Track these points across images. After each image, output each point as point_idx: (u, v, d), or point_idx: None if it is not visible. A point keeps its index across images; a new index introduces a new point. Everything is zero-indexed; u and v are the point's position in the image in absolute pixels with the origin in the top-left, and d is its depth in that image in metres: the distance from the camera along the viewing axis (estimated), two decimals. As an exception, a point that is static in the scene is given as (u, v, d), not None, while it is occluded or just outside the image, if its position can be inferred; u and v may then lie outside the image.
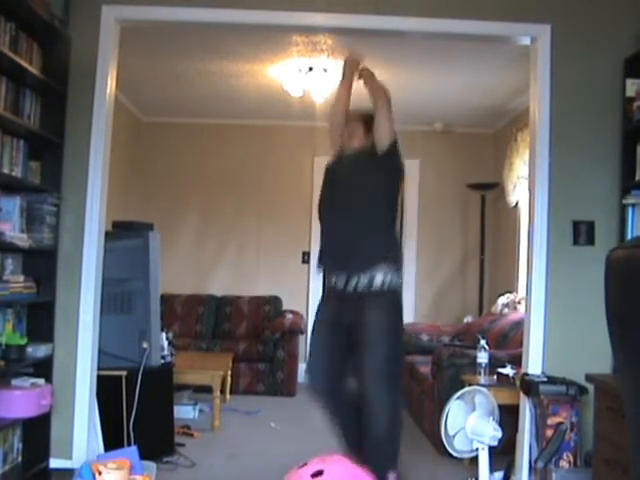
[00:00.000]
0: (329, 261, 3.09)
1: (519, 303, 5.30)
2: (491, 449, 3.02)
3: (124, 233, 4.06)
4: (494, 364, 4.02)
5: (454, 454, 3.08)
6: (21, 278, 3.33)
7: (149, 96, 6.31)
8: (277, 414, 5.35)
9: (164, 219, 6.16)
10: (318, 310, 3.22)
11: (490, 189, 6.53)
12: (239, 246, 7.03)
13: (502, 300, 5.61)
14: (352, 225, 3.02)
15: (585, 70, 3.63)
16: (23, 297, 3.31)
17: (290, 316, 6.46)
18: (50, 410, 3.36)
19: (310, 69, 5.10)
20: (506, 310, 5.45)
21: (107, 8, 3.59)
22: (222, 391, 5.17)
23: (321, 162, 6.94)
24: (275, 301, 6.78)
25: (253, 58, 5.03)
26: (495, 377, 3.96)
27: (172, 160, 7.03)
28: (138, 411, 3.74)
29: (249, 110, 6.57)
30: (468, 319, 6.30)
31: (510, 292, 5.71)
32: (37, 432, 3.42)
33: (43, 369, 3.41)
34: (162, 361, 4.10)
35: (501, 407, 3.16)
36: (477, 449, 3.02)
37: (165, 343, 4.24)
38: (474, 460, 3.19)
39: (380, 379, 2.91)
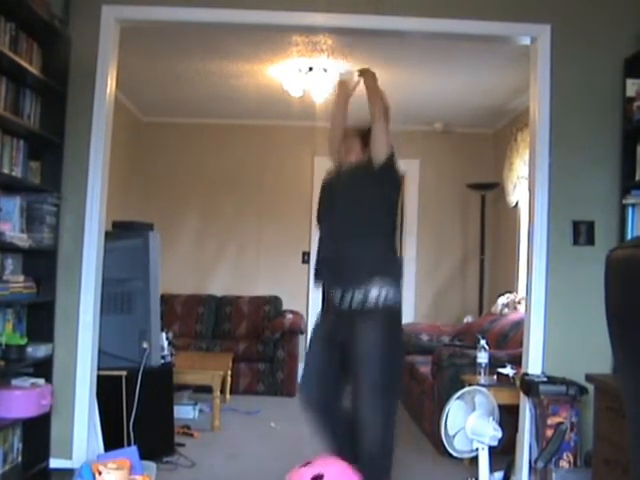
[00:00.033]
0: (325, 276, 3.06)
1: (519, 303, 5.30)
2: (491, 449, 3.02)
3: (124, 233, 4.06)
4: (494, 364, 4.02)
5: (454, 454, 3.08)
6: (21, 278, 3.33)
7: (149, 96, 6.31)
8: (277, 414, 5.35)
9: (164, 219, 6.16)
10: (315, 325, 3.17)
11: (490, 189, 6.53)
12: (239, 246, 7.03)
13: (502, 300, 5.61)
14: (347, 240, 2.97)
15: (585, 70, 3.63)
16: (23, 297, 3.31)
17: (290, 316, 6.47)
18: (50, 410, 3.36)
19: (310, 69, 5.10)
20: (506, 310, 5.45)
21: (107, 8, 3.59)
22: (222, 391, 5.18)
23: (321, 162, 6.99)
24: (275, 301, 6.78)
25: (253, 58, 5.03)
26: (495, 377, 3.96)
27: (172, 160, 7.03)
28: (138, 411, 3.74)
29: (249, 110, 6.57)
30: (468, 319, 6.30)
31: (510, 292, 5.71)
32: (37, 432, 3.42)
33: (43, 369, 3.41)
34: (162, 361, 4.10)
35: (501, 407, 3.16)
36: (477, 449, 3.02)
37: (165, 343, 4.24)
38: (474, 460, 3.19)
39: (372, 397, 2.84)
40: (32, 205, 3.40)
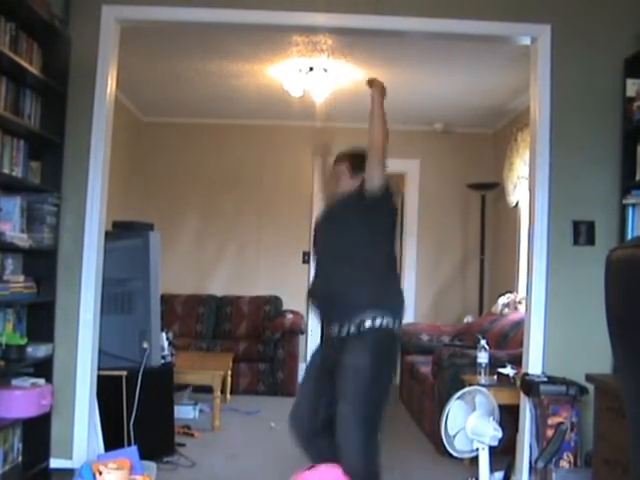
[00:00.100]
0: (319, 309, 2.99)
1: (520, 303, 5.30)
2: (491, 449, 3.02)
3: (124, 233, 4.06)
4: (494, 364, 4.02)
5: (454, 454, 3.08)
6: (21, 278, 3.33)
7: (149, 96, 6.31)
8: (277, 414, 5.33)
9: (164, 219, 6.16)
10: (312, 354, 3.10)
11: (490, 189, 6.53)
12: (239, 246, 7.03)
13: (502, 300, 5.61)
14: (338, 275, 2.88)
15: (585, 70, 3.63)
16: (23, 297, 3.31)
17: (290, 316, 6.47)
18: (50, 410, 3.36)
19: (310, 69, 5.10)
20: (506, 310, 5.45)
21: (107, 8, 3.59)
22: (222, 391, 5.18)
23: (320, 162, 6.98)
24: (275, 301, 6.78)
25: (253, 58, 5.03)
26: (495, 377, 3.96)
27: (172, 160, 7.03)
28: (138, 411, 3.74)
29: (249, 110, 6.57)
30: (468, 319, 6.30)
31: (510, 292, 5.71)
32: (37, 432, 3.42)
33: (43, 369, 3.41)
34: (162, 361, 4.10)
35: (501, 407, 3.15)
36: (477, 449, 3.02)
37: (165, 343, 4.24)
38: (474, 460, 3.19)
39: (352, 426, 2.71)
40: (32, 205, 3.40)
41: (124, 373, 3.78)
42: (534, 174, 3.64)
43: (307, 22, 3.72)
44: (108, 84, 3.63)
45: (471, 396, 3.05)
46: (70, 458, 3.51)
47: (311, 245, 3.23)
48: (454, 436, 3.01)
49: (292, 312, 6.59)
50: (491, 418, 2.99)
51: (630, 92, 3.49)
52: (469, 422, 2.99)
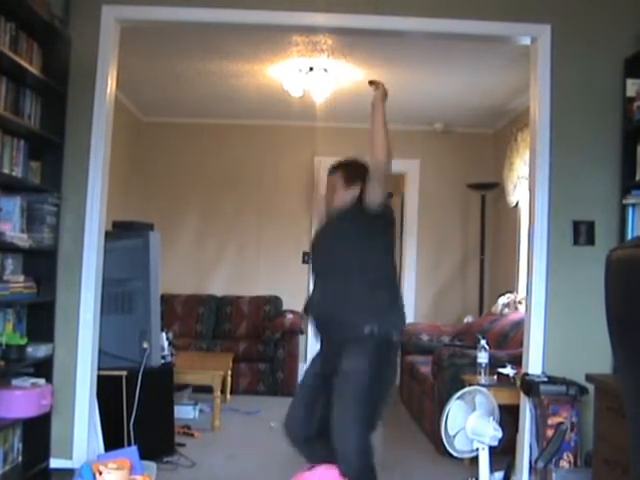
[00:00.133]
0: (318, 324, 2.95)
1: (520, 303, 5.30)
2: (491, 449, 3.02)
3: (124, 233, 4.06)
4: (494, 364, 4.02)
5: (454, 454, 3.07)
6: (21, 278, 3.33)
7: (149, 96, 6.31)
8: (277, 414, 5.31)
9: (164, 219, 6.16)
10: (312, 360, 3.06)
11: (490, 189, 6.53)
12: (239, 246, 7.03)
13: (502, 300, 5.61)
14: (338, 290, 2.85)
15: (585, 70, 3.63)
16: (23, 297, 3.31)
17: (290, 316, 6.47)
18: (50, 410, 3.36)
19: (310, 69, 5.10)
20: (506, 310, 5.45)
21: (107, 8, 3.59)
22: (222, 391, 5.17)
23: (321, 162, 7.01)
24: (275, 301, 6.79)
25: (253, 58, 5.03)
26: (495, 377, 3.96)
27: (172, 160, 7.03)
28: (138, 411, 3.74)
29: (249, 110, 6.57)
30: (468, 319, 6.30)
31: (510, 292, 5.71)
32: (37, 432, 3.42)
33: (43, 369, 3.41)
34: (162, 361, 4.10)
35: (501, 407, 3.15)
36: (477, 449, 3.02)
37: (165, 343, 4.24)
38: (474, 460, 3.19)
39: (348, 429, 2.69)
40: (32, 205, 3.40)
41: (124, 373, 3.78)
42: (534, 174, 3.64)
43: (307, 22, 3.72)
44: (108, 84, 3.63)
45: (471, 396, 3.05)
46: (70, 458, 3.51)
47: (310, 260, 3.18)
48: (454, 436, 3.00)
49: (292, 312, 6.59)
50: (491, 418, 2.99)
51: (630, 92, 3.49)
52: (469, 422, 2.99)
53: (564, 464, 3.23)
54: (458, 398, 3.03)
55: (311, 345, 6.32)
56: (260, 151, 7.03)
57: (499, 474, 3.39)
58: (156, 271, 4.04)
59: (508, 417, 3.48)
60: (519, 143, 5.68)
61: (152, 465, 3.28)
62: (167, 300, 6.42)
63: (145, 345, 3.84)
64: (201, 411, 5.20)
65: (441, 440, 3.05)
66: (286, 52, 4.83)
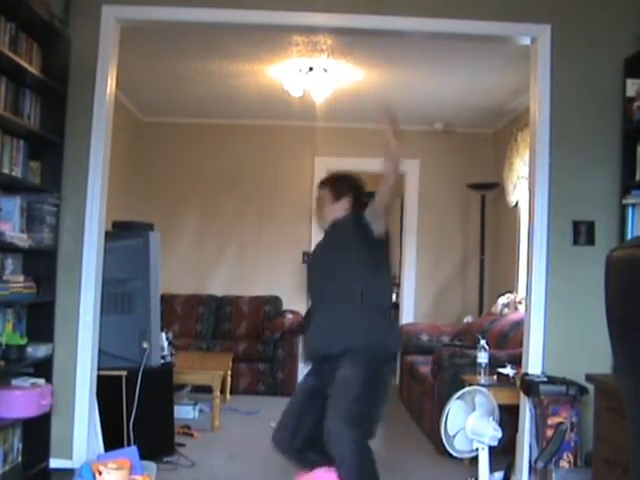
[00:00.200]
0: (308, 346, 2.99)
1: (520, 303, 5.30)
2: (491, 449, 3.02)
3: (124, 233, 4.06)
4: (494, 364, 4.02)
5: (454, 454, 3.08)
6: (21, 278, 3.33)
7: (149, 96, 6.31)
8: (277, 414, 5.30)
9: (164, 219, 6.16)
10: (307, 373, 3.05)
11: (490, 189, 6.53)
12: (239, 246, 7.03)
13: (502, 300, 5.61)
14: (329, 313, 2.87)
15: (585, 70, 3.63)
16: (23, 297, 3.31)
17: (290, 316, 6.47)
18: (50, 410, 3.36)
19: (310, 69, 5.10)
20: (506, 310, 5.45)
21: (107, 8, 3.59)
22: (222, 391, 5.18)
23: (321, 162, 7.00)
24: (275, 301, 6.79)
25: (253, 58, 5.03)
26: (495, 377, 3.96)
27: (172, 160, 7.03)
28: (138, 411, 3.74)
29: (249, 110, 6.57)
30: (468, 319, 6.30)
31: (510, 292, 5.71)
32: (37, 432, 3.42)
33: (43, 369, 3.41)
34: (162, 361, 4.10)
35: (501, 407, 3.15)
36: (477, 449, 3.02)
37: (165, 343, 4.24)
38: (474, 460, 3.19)
39: (343, 434, 2.69)
40: (32, 205, 3.40)
41: (124, 373, 3.78)
42: (534, 174, 3.64)
43: (307, 22, 3.72)
44: (108, 84, 3.63)
45: (471, 396, 3.05)
46: (70, 458, 3.51)
47: (307, 278, 3.17)
48: (454, 436, 3.01)
49: (292, 312, 6.59)
50: (491, 418, 2.99)
51: (630, 92, 3.49)
52: (469, 422, 2.99)
53: (564, 464, 3.23)
54: (458, 398, 3.03)
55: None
56: (260, 151, 7.03)
57: (499, 474, 3.39)
58: (156, 271, 4.04)
59: (508, 417, 3.48)
60: (519, 143, 5.68)
61: (152, 465, 3.28)
62: (167, 300, 6.42)
63: (145, 345, 3.84)
64: (201, 411, 5.20)
65: (441, 440, 3.05)
66: (286, 52, 4.83)
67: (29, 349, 3.27)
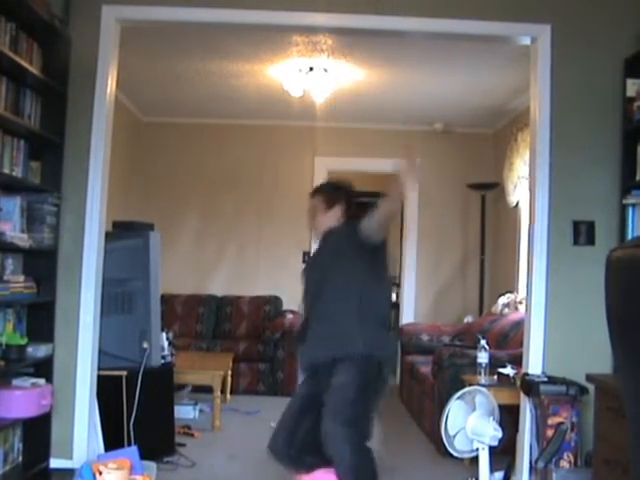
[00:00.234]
0: (306, 356, 2.99)
1: (520, 303, 5.29)
2: (491, 449, 3.02)
3: (124, 233, 4.05)
4: (494, 364, 4.02)
5: (454, 454, 3.08)
6: (21, 278, 3.33)
7: (149, 96, 6.31)
8: (277, 414, 5.31)
9: (164, 219, 6.15)
10: (302, 381, 3.05)
11: (490, 189, 6.53)
12: (239, 246, 7.03)
13: (502, 300, 5.61)
14: (326, 322, 2.88)
15: (585, 70, 3.63)
16: (23, 297, 3.31)
17: (290, 316, 6.46)
18: (50, 410, 3.36)
19: (310, 69, 5.10)
20: (506, 310, 5.45)
21: (107, 8, 3.59)
22: (222, 391, 5.17)
23: (321, 162, 7.01)
24: (275, 301, 6.78)
25: (253, 58, 5.03)
26: (495, 377, 3.96)
27: (172, 160, 7.03)
28: (138, 411, 3.74)
29: (249, 110, 6.57)
30: (468, 319, 6.30)
31: (510, 292, 5.71)
32: (37, 432, 3.42)
33: (43, 369, 3.41)
34: (162, 361, 4.10)
35: (501, 407, 3.15)
36: (477, 449, 3.02)
37: (165, 343, 4.24)
38: (474, 460, 3.19)
39: (339, 437, 2.69)
40: (32, 205, 3.40)
41: (124, 373, 3.78)
42: (534, 174, 3.64)
43: (307, 22, 3.72)
44: (108, 84, 3.63)
45: (471, 396, 3.05)
46: (70, 458, 3.51)
47: (304, 288, 3.13)
48: (454, 436, 3.01)
49: (292, 312, 6.59)
50: (491, 418, 2.99)
51: (630, 92, 3.49)
52: (469, 422, 2.99)
53: (564, 464, 3.23)
54: (458, 398, 3.04)
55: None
56: (260, 151, 7.03)
57: (499, 474, 3.39)
58: (156, 271, 4.04)
59: (508, 417, 3.48)
60: (519, 143, 5.68)
61: (152, 465, 3.28)
62: (167, 300, 6.41)
63: (145, 345, 3.84)
64: (201, 411, 5.20)
65: (441, 440, 3.05)
66: (286, 52, 4.83)
67: (29, 349, 3.27)
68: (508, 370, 3.88)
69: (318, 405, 2.77)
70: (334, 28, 3.85)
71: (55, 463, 3.50)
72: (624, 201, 3.48)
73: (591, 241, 3.58)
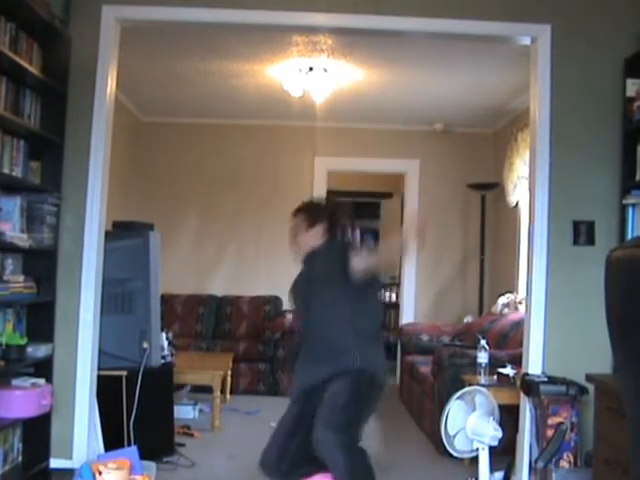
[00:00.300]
0: (299, 381, 2.98)
1: (520, 303, 5.30)
2: (491, 449, 3.02)
3: (124, 233, 4.05)
4: (494, 364, 4.02)
5: (454, 454, 3.08)
6: (21, 278, 3.33)
7: (149, 96, 6.31)
8: (277, 414, 5.32)
9: (164, 219, 6.15)
10: (296, 396, 3.01)
11: (490, 189, 6.53)
12: (239, 246, 7.03)
13: (502, 300, 5.61)
14: (318, 345, 2.88)
15: (585, 70, 3.63)
16: (23, 297, 3.31)
17: (290, 316, 6.46)
18: (50, 410, 3.36)
19: (310, 69, 5.10)
20: (506, 310, 5.45)
21: (107, 8, 3.59)
22: (222, 391, 5.17)
23: (321, 162, 7.01)
24: (275, 301, 6.78)
25: (253, 58, 5.03)
26: (495, 377, 3.96)
27: (172, 160, 7.03)
28: (138, 411, 3.74)
29: (249, 110, 6.57)
30: (468, 319, 6.30)
31: (510, 292, 5.71)
32: (37, 432, 3.42)
33: (43, 369, 3.41)
34: (162, 361, 4.10)
35: (501, 407, 3.15)
36: (477, 449, 3.02)
37: (165, 343, 4.24)
38: (474, 460, 3.19)
39: (331, 442, 2.68)
40: (32, 205, 3.40)
41: (124, 373, 3.78)
42: (534, 174, 3.64)
43: (307, 22, 3.72)
44: (108, 84, 3.63)
45: (471, 396, 3.05)
46: (70, 458, 3.51)
47: (294, 307, 3.13)
48: (454, 436, 3.01)
49: (292, 312, 6.59)
50: (491, 418, 2.99)
51: (630, 92, 3.49)
52: (469, 422, 2.99)
53: (564, 464, 3.23)
54: (458, 398, 3.03)
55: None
56: (260, 151, 7.03)
57: (499, 474, 3.39)
58: (156, 271, 4.04)
59: (508, 417, 3.48)
60: (519, 143, 5.68)
61: (152, 465, 3.28)
62: (167, 300, 6.41)
63: (145, 345, 3.84)
64: (201, 411, 5.20)
65: (441, 440, 3.05)
66: (286, 52, 4.83)
67: (29, 349, 3.27)
68: (508, 370, 3.88)
69: (310, 420, 2.76)
70: (334, 28, 3.85)
71: (55, 463, 3.50)
72: (624, 201, 3.48)
73: (591, 241, 3.58)
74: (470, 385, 3.68)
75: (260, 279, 6.97)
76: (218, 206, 7.01)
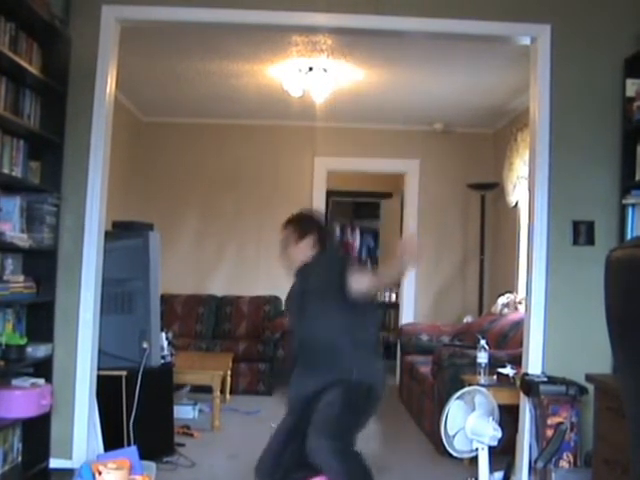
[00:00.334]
0: (294, 394, 2.99)
1: (520, 303, 5.30)
2: (491, 449, 3.02)
3: (124, 233, 4.06)
4: (494, 364, 4.02)
5: (454, 454, 3.08)
6: (21, 278, 3.33)
7: (149, 96, 6.31)
8: (277, 414, 5.33)
9: (164, 219, 6.16)
10: (291, 406, 3.03)
11: (490, 189, 6.53)
12: (239, 246, 7.03)
13: (502, 300, 5.61)
14: (313, 358, 2.89)
15: (585, 70, 3.63)
16: (23, 297, 3.31)
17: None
18: (50, 410, 3.36)
19: (310, 69, 5.10)
20: (506, 310, 5.45)
21: (107, 8, 3.59)
22: (222, 391, 5.18)
23: (321, 162, 7.01)
24: (275, 301, 6.78)
25: (253, 58, 5.03)
26: (495, 377, 3.96)
27: (172, 160, 7.03)
28: (138, 411, 3.74)
29: (249, 110, 6.57)
30: (468, 319, 6.30)
31: (510, 292, 5.71)
32: (37, 432, 3.42)
33: (43, 369, 3.41)
34: (162, 361, 4.10)
35: (501, 407, 3.15)
36: (477, 449, 3.02)
37: (165, 343, 4.24)
38: (474, 460, 3.19)
39: (324, 448, 2.67)
40: (32, 205, 3.40)
41: (124, 373, 3.78)
42: (534, 174, 3.64)
43: (307, 22, 3.72)
44: (108, 84, 3.63)
45: (471, 396, 3.05)
46: (70, 458, 3.51)
47: (289, 320, 3.13)
48: (454, 436, 3.00)
49: (292, 312, 6.58)
50: (491, 418, 2.99)
51: (630, 92, 3.49)
52: (469, 422, 2.99)
53: (564, 464, 3.23)
54: (458, 398, 3.03)
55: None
56: (260, 151, 7.03)
57: (499, 474, 3.39)
58: (156, 271, 4.04)
59: (508, 417, 3.48)
60: (519, 143, 5.68)
61: (152, 465, 3.27)
62: (167, 300, 6.41)
63: (145, 345, 3.84)
64: (201, 411, 5.20)
65: (441, 440, 3.05)
66: (286, 52, 4.83)
67: (29, 349, 3.27)
68: (508, 370, 3.88)
69: (305, 429, 2.76)
70: (334, 28, 3.85)
71: (55, 463, 3.50)
72: (624, 201, 3.48)
73: (591, 241, 3.58)
74: (470, 385, 3.67)
75: (260, 279, 6.96)
76: (218, 206, 7.01)
